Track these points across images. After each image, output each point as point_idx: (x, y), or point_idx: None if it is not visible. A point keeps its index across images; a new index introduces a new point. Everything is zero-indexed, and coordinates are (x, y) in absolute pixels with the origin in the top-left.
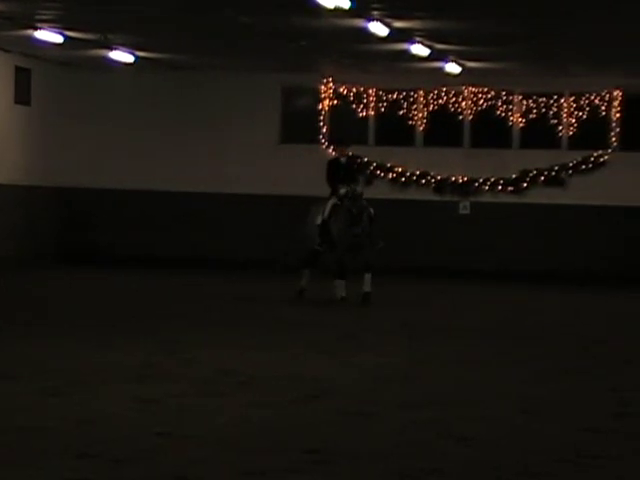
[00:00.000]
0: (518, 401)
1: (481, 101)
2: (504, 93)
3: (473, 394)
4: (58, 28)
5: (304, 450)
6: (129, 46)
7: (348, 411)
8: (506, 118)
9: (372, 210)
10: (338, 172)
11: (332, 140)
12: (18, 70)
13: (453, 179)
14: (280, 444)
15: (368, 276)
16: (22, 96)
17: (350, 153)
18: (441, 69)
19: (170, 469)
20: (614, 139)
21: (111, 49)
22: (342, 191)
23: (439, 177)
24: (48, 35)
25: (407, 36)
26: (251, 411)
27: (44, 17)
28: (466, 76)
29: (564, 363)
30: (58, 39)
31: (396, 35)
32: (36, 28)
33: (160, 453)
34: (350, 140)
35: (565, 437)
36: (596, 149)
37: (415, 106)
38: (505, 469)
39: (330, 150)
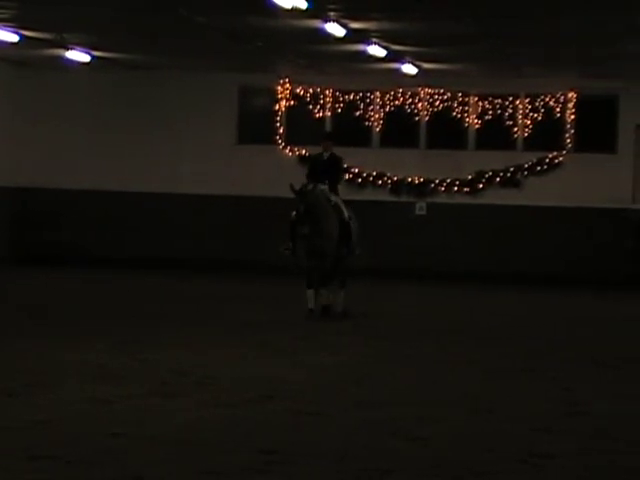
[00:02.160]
0: (472, 401)
1: (437, 102)
2: (460, 94)
3: (427, 394)
4: (14, 27)
5: (260, 450)
6: (85, 45)
7: (303, 411)
8: (462, 119)
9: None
10: (317, 169)
11: (288, 140)
12: None
13: (409, 180)
14: (236, 444)
15: (331, 289)
16: None
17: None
18: (397, 70)
19: (127, 470)
20: (569, 140)
21: (67, 49)
22: (296, 187)
23: (395, 178)
24: (4, 34)
25: (364, 37)
26: (207, 411)
27: (0, 16)
28: (422, 77)
29: (517, 363)
30: (14, 38)
31: (353, 36)
32: None
33: (117, 454)
34: (332, 136)
35: (518, 437)
36: (551, 150)
37: (371, 107)
38: (459, 469)
39: (287, 151)
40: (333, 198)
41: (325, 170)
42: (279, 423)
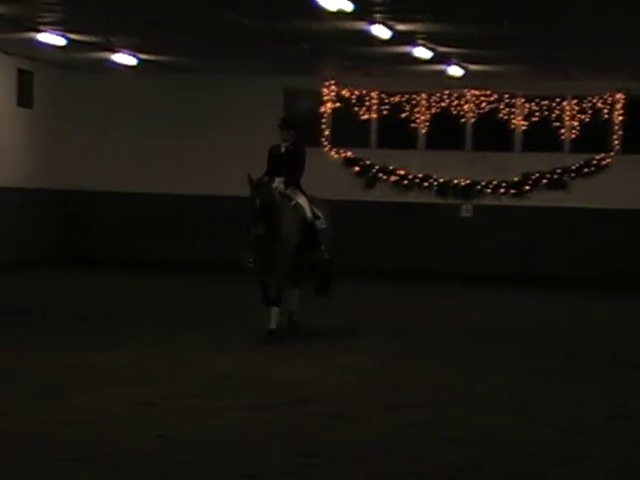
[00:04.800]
0: (509, 403)
1: (483, 104)
2: (506, 96)
3: (463, 396)
4: (61, 31)
5: (297, 453)
6: (132, 48)
7: (339, 414)
8: (508, 121)
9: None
10: (274, 162)
11: (334, 142)
12: (21, 73)
13: (455, 182)
14: (273, 447)
15: (276, 310)
16: (25, 99)
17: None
18: (444, 72)
19: (161, 472)
20: (616, 142)
21: (114, 52)
22: (253, 180)
23: (441, 180)
24: (51, 38)
25: (410, 39)
26: (244, 414)
27: (47, 20)
28: (469, 79)
29: (556, 365)
30: (61, 42)
31: (398, 38)
32: (39, 31)
33: (152, 456)
34: (297, 123)
35: (557, 439)
36: (598, 152)
37: (417, 109)
38: (497, 472)
39: (332, 153)
40: (292, 195)
41: (284, 163)
42: (315, 426)
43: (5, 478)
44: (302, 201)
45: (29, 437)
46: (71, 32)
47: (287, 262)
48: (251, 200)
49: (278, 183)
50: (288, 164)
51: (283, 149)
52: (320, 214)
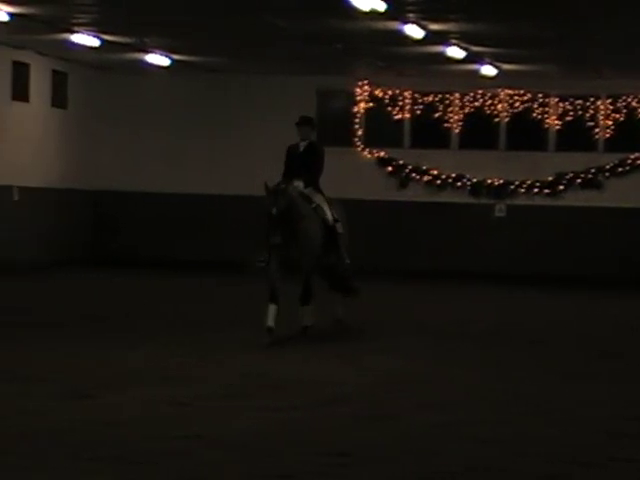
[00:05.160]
0: (536, 404)
1: (517, 103)
2: (540, 95)
3: (489, 396)
4: (95, 32)
5: (328, 453)
6: (165, 49)
7: (370, 414)
8: (542, 120)
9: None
10: (293, 162)
11: (367, 142)
12: (55, 74)
13: (489, 182)
14: (305, 447)
15: (308, 308)
16: (59, 100)
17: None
18: (477, 71)
19: (193, 472)
20: None
21: (147, 52)
22: (270, 186)
23: (475, 180)
24: (85, 39)
25: (443, 38)
26: (276, 414)
27: (81, 21)
28: (502, 78)
29: (593, 366)
30: (95, 42)
31: (431, 37)
32: (73, 32)
33: (183, 455)
34: (312, 120)
35: (596, 441)
36: (633, 151)
37: (450, 109)
38: (534, 473)
39: (365, 153)
40: (312, 196)
41: (302, 163)
42: (346, 426)
43: (38, 477)
44: (322, 203)
45: (61, 436)
46: (105, 33)
47: (313, 264)
48: (268, 208)
49: (297, 183)
50: (306, 164)
51: (301, 148)
52: (338, 217)
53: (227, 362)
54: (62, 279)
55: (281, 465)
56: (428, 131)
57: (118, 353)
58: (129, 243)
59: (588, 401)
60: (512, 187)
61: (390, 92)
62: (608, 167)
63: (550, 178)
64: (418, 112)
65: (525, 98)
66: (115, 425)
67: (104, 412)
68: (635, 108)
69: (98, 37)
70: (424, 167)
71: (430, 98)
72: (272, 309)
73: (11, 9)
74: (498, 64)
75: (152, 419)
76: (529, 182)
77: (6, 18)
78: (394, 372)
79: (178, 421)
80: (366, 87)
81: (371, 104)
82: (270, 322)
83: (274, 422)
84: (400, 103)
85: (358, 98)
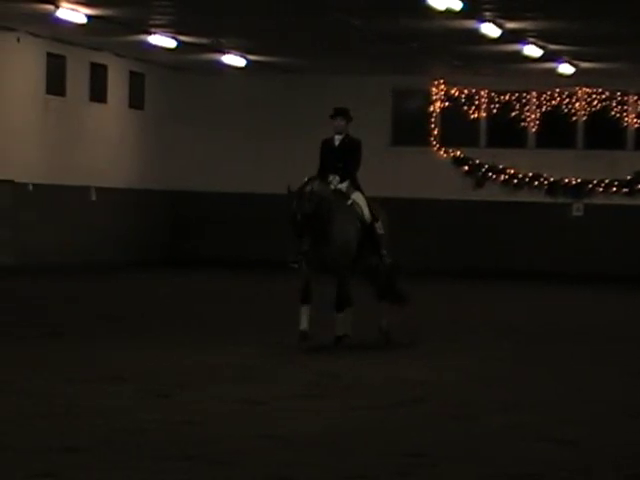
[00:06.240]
0: (618, 404)
1: (595, 102)
2: (618, 94)
3: (569, 396)
4: (171, 33)
5: (406, 453)
6: (241, 50)
7: (448, 414)
8: (620, 119)
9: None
10: (327, 158)
11: (443, 142)
12: (132, 75)
13: (566, 181)
14: (382, 447)
15: (342, 316)
16: (136, 100)
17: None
18: (554, 70)
19: (270, 471)
20: None
21: (223, 53)
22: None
23: (552, 179)
24: (161, 40)
25: (519, 37)
26: (354, 414)
27: (158, 22)
28: (579, 77)
29: None
30: (171, 44)
31: (508, 36)
32: (150, 33)
33: (261, 455)
34: (348, 112)
35: None
36: None
37: (527, 107)
38: (612, 474)
39: (441, 152)
40: (349, 193)
41: (338, 158)
42: (425, 426)
43: (119, 475)
44: (360, 200)
45: (143, 435)
46: (181, 34)
47: (347, 266)
48: (292, 214)
49: (332, 178)
50: (343, 159)
51: (337, 142)
52: (378, 217)
53: (303, 362)
54: (139, 279)
55: (359, 465)
56: (504, 130)
57: (196, 352)
58: (205, 243)
59: None
60: (590, 186)
61: (466, 91)
62: None
63: (628, 177)
64: (494, 111)
65: (603, 96)
66: (195, 424)
67: (184, 411)
68: None
69: (175, 38)
70: (500, 166)
71: (507, 97)
72: (304, 311)
73: (89, 11)
74: (576, 62)
75: (231, 418)
76: (607, 181)
77: (84, 20)
78: (472, 372)
79: (256, 420)
80: (442, 86)
81: (447, 103)
82: (303, 325)
83: (351, 422)
84: (476, 102)
85: (434, 97)
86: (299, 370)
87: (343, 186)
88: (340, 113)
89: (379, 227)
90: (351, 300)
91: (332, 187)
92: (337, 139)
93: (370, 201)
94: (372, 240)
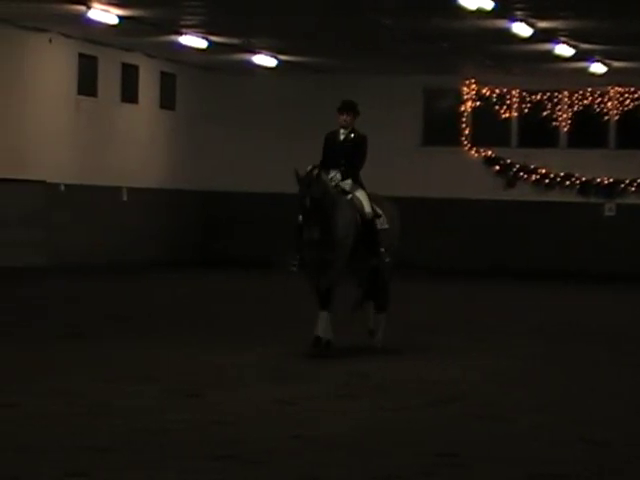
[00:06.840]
0: None
1: (627, 101)
2: None
3: (601, 397)
4: (202, 33)
5: (436, 454)
6: (272, 50)
7: (478, 414)
8: None
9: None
10: (331, 153)
11: (474, 141)
12: (163, 75)
13: (598, 180)
14: (413, 447)
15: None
16: (167, 101)
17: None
18: (586, 69)
19: (302, 471)
20: None
21: (254, 53)
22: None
23: (584, 179)
24: (192, 40)
25: (551, 36)
26: (385, 414)
27: (189, 23)
28: (611, 76)
29: None
30: (202, 44)
31: (540, 35)
32: (181, 34)
33: (292, 455)
34: (356, 107)
35: None
36: None
37: (559, 107)
38: (634, 475)
39: (472, 152)
40: (349, 189)
41: (342, 153)
42: (456, 426)
43: (149, 475)
44: (361, 195)
45: (173, 435)
46: (212, 34)
47: (343, 264)
48: (301, 199)
49: (334, 174)
50: (347, 154)
51: (342, 137)
52: (381, 213)
53: (337, 363)
54: (170, 279)
55: (390, 465)
56: (536, 130)
57: (227, 352)
58: (235, 244)
59: None
60: (622, 186)
61: (497, 90)
62: None
63: None
64: (526, 110)
65: (635, 96)
66: (226, 424)
67: (215, 411)
68: None
69: (206, 38)
70: (532, 166)
71: (538, 96)
72: (322, 317)
73: (120, 12)
74: (608, 62)
75: (261, 418)
76: (639, 181)
77: (115, 21)
78: (503, 372)
79: (287, 421)
80: (473, 86)
81: (478, 103)
82: (320, 332)
83: (383, 422)
84: (507, 102)
85: (465, 97)
86: (329, 370)
87: (346, 185)
88: (347, 106)
89: (380, 222)
90: (330, 302)
91: (333, 183)
92: (342, 133)
93: (374, 197)
94: (371, 236)
